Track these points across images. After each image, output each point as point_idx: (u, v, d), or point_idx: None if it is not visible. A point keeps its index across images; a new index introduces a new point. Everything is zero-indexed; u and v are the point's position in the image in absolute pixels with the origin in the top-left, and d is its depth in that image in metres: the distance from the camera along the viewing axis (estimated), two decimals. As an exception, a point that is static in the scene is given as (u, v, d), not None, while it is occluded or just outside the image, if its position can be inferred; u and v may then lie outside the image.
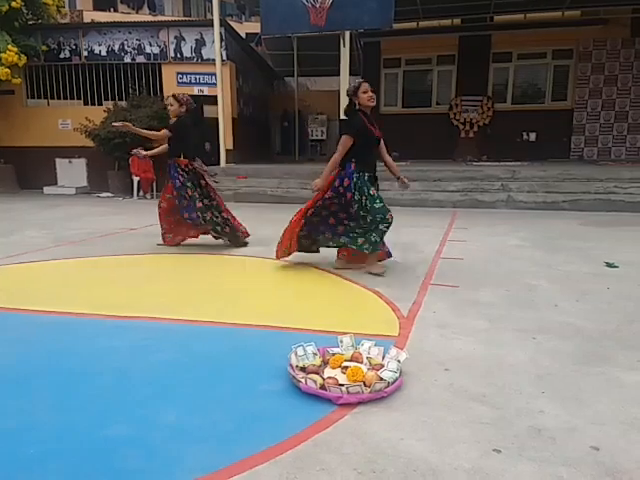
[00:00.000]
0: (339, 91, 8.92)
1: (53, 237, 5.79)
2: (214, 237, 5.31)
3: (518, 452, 1.67)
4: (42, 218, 7.49)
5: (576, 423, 1.85)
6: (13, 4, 9.98)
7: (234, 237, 5.27)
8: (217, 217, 5.17)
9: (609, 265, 4.25)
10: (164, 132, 5.06)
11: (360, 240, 3.99)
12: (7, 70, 10.09)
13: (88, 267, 4.50)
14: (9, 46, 10.01)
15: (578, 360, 2.40)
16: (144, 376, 2.29)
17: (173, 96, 5.14)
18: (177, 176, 5.02)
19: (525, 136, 12.26)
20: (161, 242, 5.29)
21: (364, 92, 3.87)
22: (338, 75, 8.92)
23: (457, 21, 12.73)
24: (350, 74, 8.86)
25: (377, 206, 3.88)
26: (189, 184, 5.03)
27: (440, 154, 12.19)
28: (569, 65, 12.19)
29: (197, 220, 5.05)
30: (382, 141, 4.10)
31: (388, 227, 3.93)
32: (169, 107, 5.11)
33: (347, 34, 8.53)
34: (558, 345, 2.59)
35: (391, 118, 13.06)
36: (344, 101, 8.64)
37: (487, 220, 7.07)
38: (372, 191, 3.90)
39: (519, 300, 3.37)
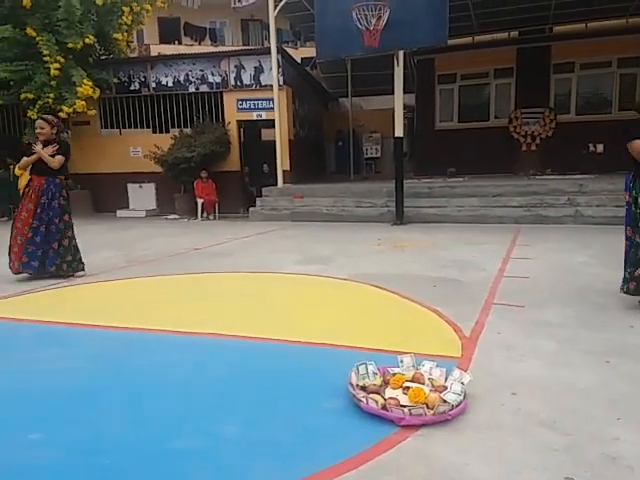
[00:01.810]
0: (393, 109, 8.96)
1: (126, 257, 6.18)
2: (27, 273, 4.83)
3: (592, 482, 1.59)
4: (115, 239, 8.00)
5: (657, 453, 1.73)
6: (87, 41, 10.87)
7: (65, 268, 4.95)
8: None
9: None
10: (59, 159, 4.78)
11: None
12: (83, 103, 10.95)
13: (156, 286, 4.75)
14: (84, 80, 10.88)
15: (658, 386, 2.26)
16: (207, 390, 2.38)
17: (43, 119, 4.88)
18: (58, 196, 4.84)
19: (592, 148, 11.69)
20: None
21: None
22: (392, 94, 8.97)
23: (514, 34, 12.48)
24: (404, 92, 8.89)
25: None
26: (69, 209, 4.92)
27: (500, 169, 11.86)
28: (636, 73, 11.56)
29: (53, 251, 4.77)
30: None
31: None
32: (39, 130, 4.81)
33: (401, 53, 8.59)
34: (634, 368, 2.44)
35: (447, 134, 12.92)
36: (398, 119, 8.77)
37: (553, 236, 6.78)
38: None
39: (590, 321, 3.21)
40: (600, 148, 11.72)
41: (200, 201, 10.96)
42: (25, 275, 4.88)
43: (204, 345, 3.02)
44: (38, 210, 4.78)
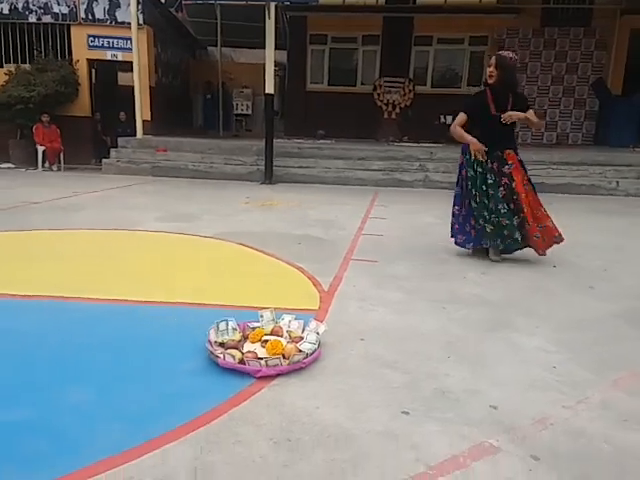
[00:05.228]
0: (265, 65, 8.71)
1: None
2: None
3: (425, 413, 1.78)
4: None
5: (478, 385, 2.00)
6: None
7: None
8: None
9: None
10: None
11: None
12: None
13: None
14: None
15: (483, 327, 2.59)
16: (53, 357, 2.15)
17: None
18: None
19: (442, 119, 12.73)
20: None
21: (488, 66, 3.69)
22: (264, 48, 8.70)
23: (382, 1, 12.86)
24: (276, 48, 8.69)
25: (472, 191, 3.84)
26: None
27: (364, 134, 12.40)
28: (484, 52, 12.77)
29: None
30: (531, 111, 3.73)
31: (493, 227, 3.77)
32: None
33: (272, 6, 8.31)
34: (466, 314, 2.77)
35: (317, 95, 13.04)
36: (269, 75, 8.57)
37: (406, 199, 7.35)
38: (475, 171, 3.80)
39: (432, 273, 3.56)
40: (449, 120, 12.80)
41: (41, 149, 9.63)
42: None
43: (49, 308, 2.71)
44: None
